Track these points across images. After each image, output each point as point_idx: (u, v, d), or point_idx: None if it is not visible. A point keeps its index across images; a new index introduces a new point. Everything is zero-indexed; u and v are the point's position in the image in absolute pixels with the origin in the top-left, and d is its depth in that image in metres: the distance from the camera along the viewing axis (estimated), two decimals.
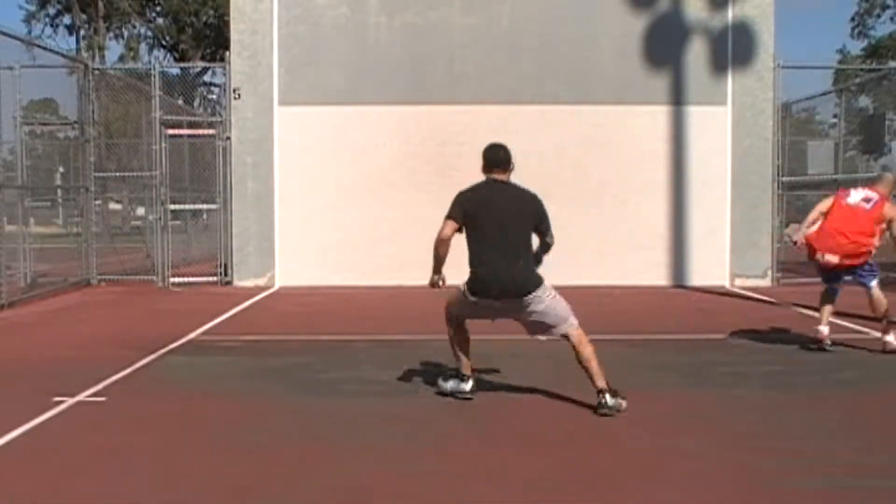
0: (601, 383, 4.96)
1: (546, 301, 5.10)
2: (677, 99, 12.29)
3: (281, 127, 12.25)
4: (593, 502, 3.67)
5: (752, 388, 5.77)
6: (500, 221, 5.11)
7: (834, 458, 4.21)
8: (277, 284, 12.17)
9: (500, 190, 5.30)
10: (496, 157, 5.41)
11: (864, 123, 14.08)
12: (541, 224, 5.30)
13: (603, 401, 4.90)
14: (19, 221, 11.49)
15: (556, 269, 12.26)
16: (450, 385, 5.43)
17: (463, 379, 5.42)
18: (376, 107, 12.18)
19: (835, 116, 14.85)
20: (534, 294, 5.04)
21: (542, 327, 5.22)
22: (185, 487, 3.80)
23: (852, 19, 33.31)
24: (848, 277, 7.01)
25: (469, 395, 5.37)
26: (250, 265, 12.26)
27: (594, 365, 5.02)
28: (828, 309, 7.08)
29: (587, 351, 5.06)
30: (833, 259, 6.80)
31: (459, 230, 5.18)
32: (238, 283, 12.16)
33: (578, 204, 12.24)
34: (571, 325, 5.13)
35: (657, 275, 12.14)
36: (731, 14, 12.29)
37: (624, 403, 4.92)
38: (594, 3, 12.37)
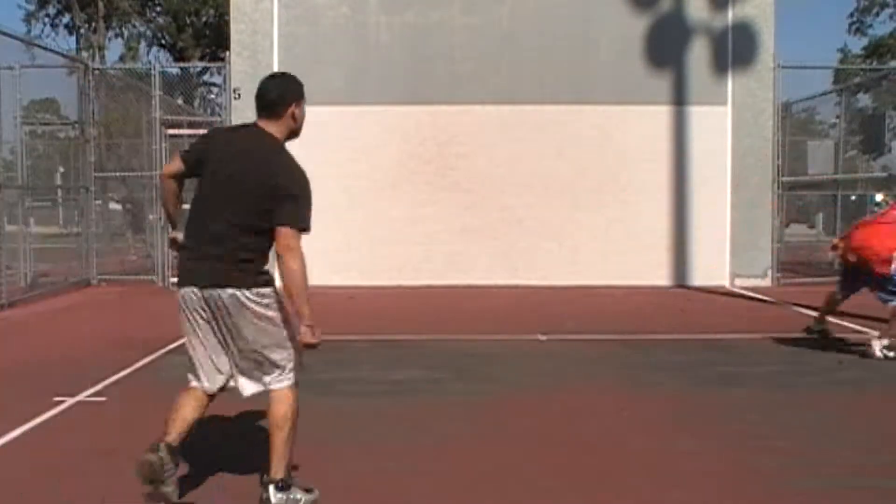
0: (275, 470, 3.42)
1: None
2: (677, 99, 12.28)
3: None
4: (594, 502, 3.68)
5: (752, 388, 5.76)
6: (226, 185, 3.41)
7: (834, 458, 4.21)
8: (277, 284, 12.15)
9: (245, 140, 3.49)
10: (259, 93, 3.51)
11: (865, 123, 14.09)
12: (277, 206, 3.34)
13: (265, 495, 3.39)
14: (19, 221, 11.49)
15: (556, 270, 12.37)
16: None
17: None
18: (376, 107, 12.19)
19: (837, 116, 14.85)
20: (256, 295, 3.44)
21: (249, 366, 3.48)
22: (184, 488, 3.80)
23: (850, 15, 33.32)
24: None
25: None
26: None
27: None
28: None
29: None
30: None
31: (187, 176, 3.58)
32: None
33: (578, 204, 12.27)
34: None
35: (658, 275, 12.14)
36: (731, 14, 12.29)
37: (302, 499, 3.41)
38: (594, 3, 12.37)
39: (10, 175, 11.44)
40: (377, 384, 5.87)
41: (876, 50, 31.03)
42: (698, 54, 12.30)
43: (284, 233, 3.35)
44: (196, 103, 22.85)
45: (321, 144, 12.26)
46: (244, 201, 3.38)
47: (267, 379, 3.47)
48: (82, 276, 12.07)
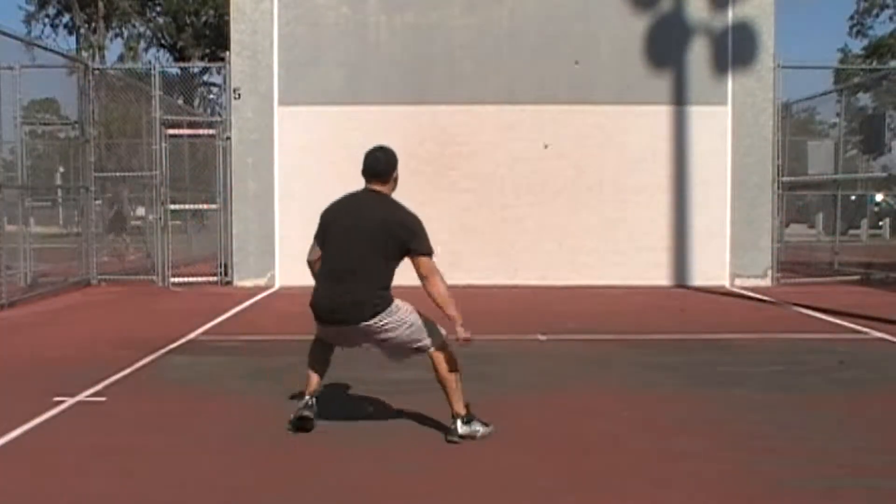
0: (457, 408, 4.47)
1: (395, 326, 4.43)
2: (677, 99, 12.29)
3: (281, 127, 12.25)
4: (593, 503, 3.67)
5: (752, 388, 5.76)
6: (345, 236, 4.41)
7: (834, 458, 4.21)
8: (277, 284, 12.17)
9: (363, 202, 4.51)
10: (369, 166, 4.53)
11: (865, 123, 14.08)
12: (407, 243, 4.37)
13: (452, 427, 4.46)
14: (19, 221, 11.49)
15: (556, 270, 12.37)
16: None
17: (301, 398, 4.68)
18: (376, 107, 12.18)
19: (837, 115, 14.84)
20: (375, 322, 4.35)
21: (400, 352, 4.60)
22: (184, 488, 3.80)
23: (851, 17, 33.39)
24: None
25: (301, 417, 4.55)
26: (250, 265, 12.26)
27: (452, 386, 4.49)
28: None
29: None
30: None
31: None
32: (238, 283, 12.16)
33: (578, 204, 12.27)
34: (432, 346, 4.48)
35: (658, 275, 12.14)
36: (731, 14, 12.29)
37: (480, 430, 4.48)
38: (594, 3, 12.37)
39: (10, 175, 11.44)
40: (376, 384, 5.86)
41: (876, 50, 31.07)
42: (698, 54, 12.30)
43: (424, 261, 4.37)
44: (196, 103, 22.87)
45: (321, 144, 12.28)
46: (373, 246, 4.33)
47: (414, 349, 4.46)
48: (82, 276, 12.07)
